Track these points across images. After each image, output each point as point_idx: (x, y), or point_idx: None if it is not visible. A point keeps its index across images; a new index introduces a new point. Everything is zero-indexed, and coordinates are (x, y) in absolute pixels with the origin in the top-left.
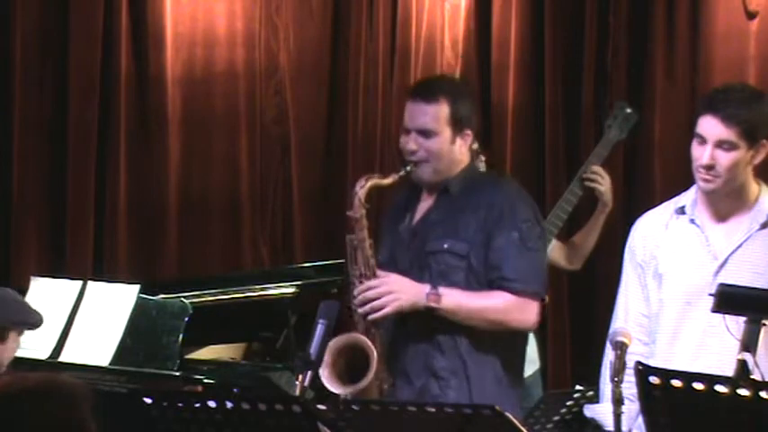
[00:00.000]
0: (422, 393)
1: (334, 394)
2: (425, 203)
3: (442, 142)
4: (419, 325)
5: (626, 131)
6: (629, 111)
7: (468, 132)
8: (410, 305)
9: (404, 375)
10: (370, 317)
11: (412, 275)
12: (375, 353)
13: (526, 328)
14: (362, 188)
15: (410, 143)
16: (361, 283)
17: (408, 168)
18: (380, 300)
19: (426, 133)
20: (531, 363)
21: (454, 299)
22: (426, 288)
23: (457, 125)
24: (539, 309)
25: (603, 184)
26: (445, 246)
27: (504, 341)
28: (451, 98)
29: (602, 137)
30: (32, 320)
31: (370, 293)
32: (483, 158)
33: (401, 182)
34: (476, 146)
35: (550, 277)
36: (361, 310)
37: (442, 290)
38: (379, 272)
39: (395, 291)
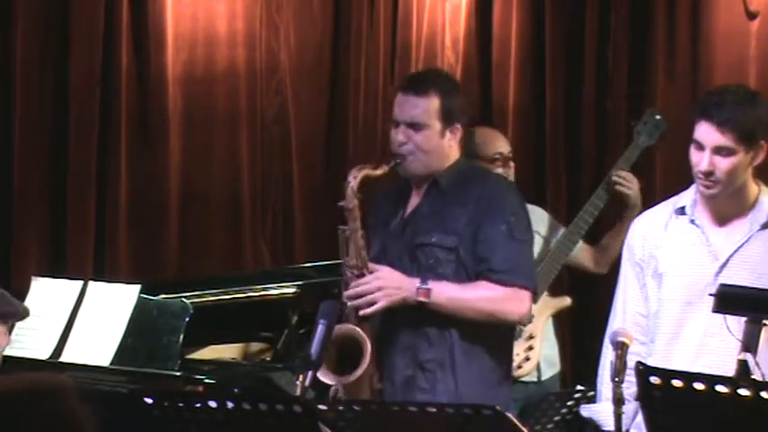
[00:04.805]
0: (408, 385)
1: (325, 385)
2: (415, 198)
3: (432, 135)
4: (408, 318)
5: (655, 138)
6: (658, 117)
7: (458, 126)
8: (401, 300)
9: (390, 367)
10: (362, 312)
11: (401, 266)
12: (369, 344)
13: (517, 319)
14: (355, 179)
15: (399, 135)
16: (353, 274)
17: (398, 161)
18: (372, 295)
19: (416, 126)
20: (552, 365)
21: (444, 292)
22: (416, 282)
23: (447, 119)
24: (529, 299)
25: (631, 187)
26: (433, 239)
27: (494, 338)
28: (442, 92)
29: (631, 142)
30: (13, 310)
31: (361, 288)
32: (512, 165)
33: (391, 173)
34: (506, 150)
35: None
36: (351, 304)
37: (432, 283)
38: (371, 265)
39: (386, 286)
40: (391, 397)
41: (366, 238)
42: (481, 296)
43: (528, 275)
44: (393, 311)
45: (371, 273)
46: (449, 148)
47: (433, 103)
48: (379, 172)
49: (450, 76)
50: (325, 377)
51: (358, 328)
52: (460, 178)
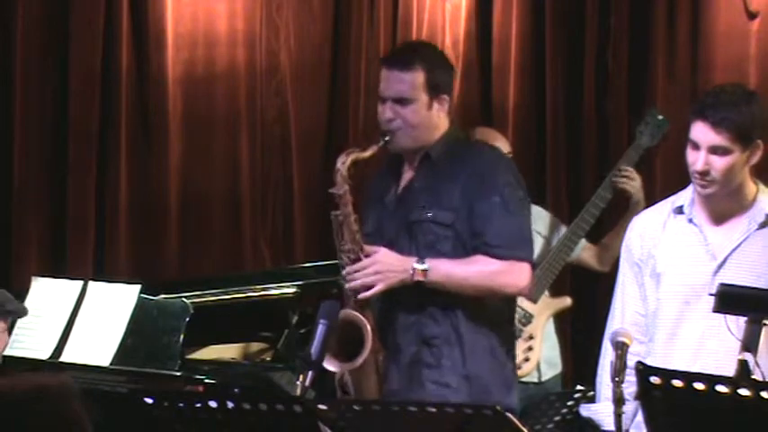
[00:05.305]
0: (414, 362)
1: (325, 382)
2: (408, 173)
3: (419, 109)
4: (410, 296)
5: (657, 138)
6: (660, 118)
7: (445, 97)
8: (398, 282)
9: (395, 345)
10: (360, 296)
11: (400, 244)
12: (369, 329)
13: (518, 292)
14: (344, 164)
15: (387, 112)
16: (348, 258)
17: (387, 138)
18: (369, 279)
19: (403, 101)
20: (553, 366)
21: (441, 270)
22: (413, 262)
23: (433, 91)
24: (528, 270)
25: (634, 183)
26: (429, 215)
27: (498, 314)
28: (427, 64)
29: (632, 141)
30: (12, 308)
31: (358, 273)
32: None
33: (380, 153)
34: (506, 151)
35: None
36: (349, 287)
37: (429, 262)
38: (366, 247)
39: (383, 270)
40: (396, 376)
41: (359, 221)
42: (479, 271)
43: (524, 247)
44: (393, 291)
45: (367, 256)
46: (437, 118)
47: (418, 76)
48: (368, 153)
49: (433, 46)
50: (329, 365)
51: (357, 314)
52: (452, 150)
